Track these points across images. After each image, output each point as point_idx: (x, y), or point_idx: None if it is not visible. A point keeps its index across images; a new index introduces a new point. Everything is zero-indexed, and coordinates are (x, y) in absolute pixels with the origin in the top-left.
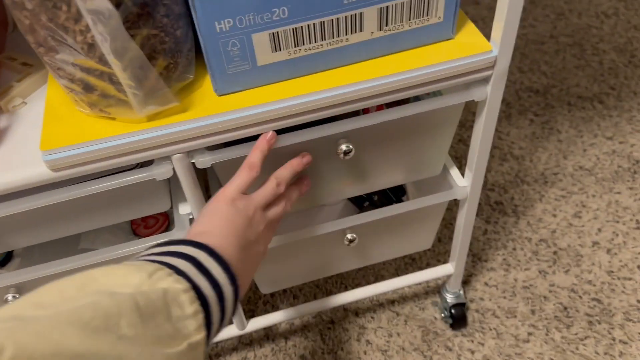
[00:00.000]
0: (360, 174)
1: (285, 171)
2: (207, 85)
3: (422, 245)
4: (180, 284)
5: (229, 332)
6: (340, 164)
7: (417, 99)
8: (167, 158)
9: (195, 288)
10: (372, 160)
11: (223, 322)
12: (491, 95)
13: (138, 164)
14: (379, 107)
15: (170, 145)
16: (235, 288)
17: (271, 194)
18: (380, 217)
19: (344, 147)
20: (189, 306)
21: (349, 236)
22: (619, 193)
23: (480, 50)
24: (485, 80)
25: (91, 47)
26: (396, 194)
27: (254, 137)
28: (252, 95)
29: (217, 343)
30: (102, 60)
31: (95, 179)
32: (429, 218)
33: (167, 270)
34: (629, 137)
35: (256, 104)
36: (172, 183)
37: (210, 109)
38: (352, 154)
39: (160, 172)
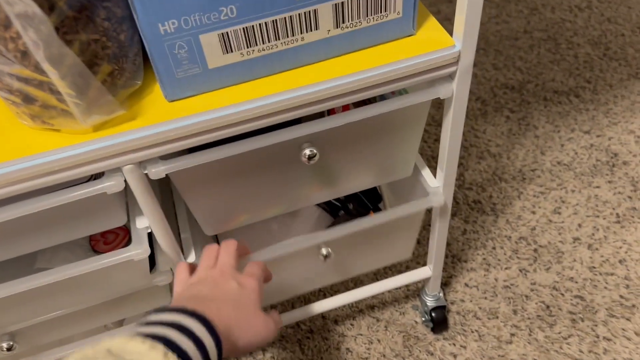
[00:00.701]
0: (328, 178)
1: (226, 254)
2: (157, 91)
3: (402, 255)
4: None
5: None
6: (306, 169)
7: (382, 98)
8: (117, 170)
9: None
10: (339, 163)
11: None
12: (457, 92)
13: (91, 176)
14: (345, 108)
15: (119, 156)
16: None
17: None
18: (355, 229)
19: (307, 151)
20: None
21: (323, 251)
22: (598, 187)
23: (443, 46)
24: (450, 76)
25: (25, 55)
26: (372, 200)
27: (210, 144)
28: (205, 100)
29: None
30: (38, 68)
31: (44, 194)
32: (407, 227)
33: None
34: (606, 130)
35: (210, 109)
36: (129, 195)
37: (161, 116)
38: (316, 158)
39: (110, 184)
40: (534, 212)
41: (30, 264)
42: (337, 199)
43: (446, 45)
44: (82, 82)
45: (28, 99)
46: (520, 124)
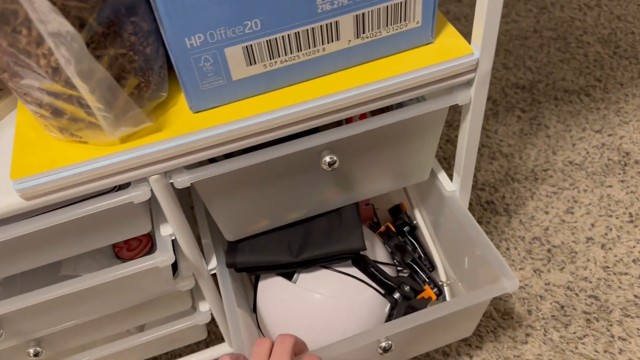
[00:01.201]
0: (347, 183)
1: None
2: (182, 102)
3: (464, 335)
4: None
5: (223, 350)
6: (325, 175)
7: (400, 105)
8: (144, 180)
9: None
10: (358, 169)
11: None
12: (475, 98)
13: (115, 186)
14: (362, 116)
15: (146, 167)
16: None
17: None
18: (423, 322)
19: (327, 158)
20: None
21: (383, 344)
22: (610, 186)
23: (462, 54)
24: (468, 83)
25: (56, 71)
26: (422, 268)
27: (232, 154)
28: (229, 111)
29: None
30: (68, 83)
31: (71, 204)
32: (473, 313)
33: None
34: (617, 129)
35: (234, 120)
36: (153, 203)
37: (186, 127)
38: (336, 164)
39: (137, 194)
40: (547, 212)
41: (54, 271)
42: (389, 278)
43: (465, 53)
44: (110, 96)
45: (57, 112)
46: (532, 123)
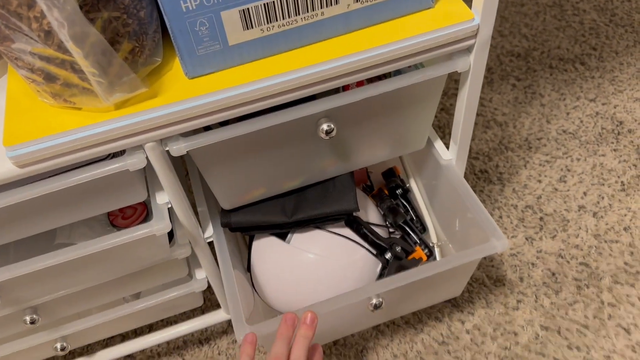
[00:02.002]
0: (344, 151)
1: (298, 348)
2: (177, 67)
3: (453, 294)
4: None
5: (219, 316)
6: (322, 143)
7: (398, 72)
8: (139, 147)
9: None
10: (355, 137)
11: None
12: (474, 65)
13: (110, 154)
14: (359, 83)
15: (141, 134)
16: None
17: None
18: (414, 279)
19: (325, 126)
20: None
21: (374, 301)
22: (603, 155)
23: (462, 19)
24: (468, 49)
25: (48, 35)
26: (414, 230)
27: (230, 121)
28: (225, 77)
29: (206, 328)
30: (61, 47)
31: (65, 172)
32: (464, 271)
33: None
34: (611, 98)
35: (231, 86)
36: (148, 171)
37: (182, 93)
38: (334, 133)
39: (133, 162)
40: (539, 181)
41: (49, 240)
42: (380, 239)
43: (465, 19)
44: (104, 61)
45: (50, 78)
46: (527, 92)
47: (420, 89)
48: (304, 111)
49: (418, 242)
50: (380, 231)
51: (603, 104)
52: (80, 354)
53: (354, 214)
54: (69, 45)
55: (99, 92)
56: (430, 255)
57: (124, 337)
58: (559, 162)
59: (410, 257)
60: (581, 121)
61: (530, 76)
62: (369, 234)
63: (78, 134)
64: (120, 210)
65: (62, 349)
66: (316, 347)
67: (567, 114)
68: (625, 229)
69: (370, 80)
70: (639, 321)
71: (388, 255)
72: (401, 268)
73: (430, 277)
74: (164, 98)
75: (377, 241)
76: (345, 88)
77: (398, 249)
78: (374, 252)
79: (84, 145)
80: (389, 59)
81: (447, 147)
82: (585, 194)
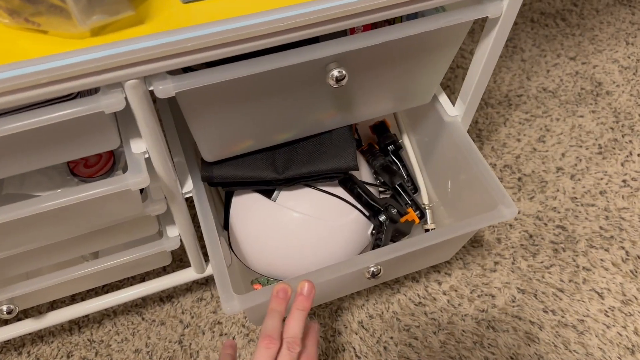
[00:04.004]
0: (347, 102)
1: (294, 324)
2: None
3: (443, 259)
4: None
5: (186, 275)
6: (326, 92)
7: (412, 16)
8: (117, 85)
9: None
10: (362, 87)
11: None
12: (507, 12)
13: (78, 92)
14: (366, 27)
15: (122, 69)
16: None
17: None
18: (412, 250)
19: (336, 72)
20: None
21: (373, 269)
22: (582, 117)
23: None
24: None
25: None
26: (407, 191)
27: (227, 60)
28: (226, 5)
29: (170, 287)
30: None
31: (23, 110)
32: (460, 239)
33: None
34: (591, 57)
35: (233, 17)
36: (121, 114)
37: (175, 21)
38: (345, 80)
39: (109, 103)
40: (519, 140)
41: None
42: (375, 200)
43: None
44: None
45: None
46: (507, 45)
47: (443, 36)
48: (315, 54)
49: (409, 203)
50: (372, 190)
51: (583, 63)
52: (28, 316)
53: (350, 172)
54: None
55: (74, 12)
56: (422, 217)
57: (74, 296)
58: (538, 121)
59: (402, 219)
60: (561, 80)
61: (512, 29)
62: (363, 194)
63: (43, 65)
64: (83, 157)
65: (9, 312)
66: (313, 324)
67: (548, 71)
68: (601, 192)
69: (377, 26)
70: (612, 286)
71: (382, 218)
72: (397, 232)
73: (435, 245)
74: (153, 25)
75: (372, 202)
76: (351, 32)
77: (394, 211)
78: (367, 213)
79: (49, 80)
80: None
81: (453, 103)
82: (563, 155)
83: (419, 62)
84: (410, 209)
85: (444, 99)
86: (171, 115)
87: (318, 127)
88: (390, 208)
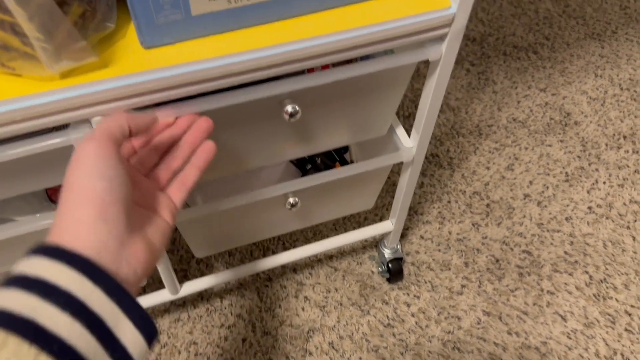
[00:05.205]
0: (304, 135)
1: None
2: (131, 35)
3: (365, 206)
4: None
5: (161, 297)
6: (284, 126)
7: (365, 56)
8: (86, 121)
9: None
10: (318, 121)
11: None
12: (445, 55)
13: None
14: (324, 66)
15: (89, 107)
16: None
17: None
18: (325, 181)
19: (289, 108)
20: None
21: (291, 200)
22: (550, 146)
23: (438, 7)
24: (441, 38)
25: None
26: (338, 152)
27: (186, 98)
28: (185, 50)
29: (147, 307)
30: (1, 7)
31: (2, 144)
32: (373, 180)
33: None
34: (560, 89)
35: (190, 61)
36: None
37: (136, 65)
38: (298, 115)
39: (78, 137)
40: (488, 168)
41: None
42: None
43: (441, 7)
44: (52, 25)
45: None
46: (480, 78)
47: (389, 75)
48: (269, 91)
49: (338, 159)
50: None
51: (553, 95)
52: None
53: None
54: (11, 5)
55: (44, 59)
56: None
57: None
58: (507, 150)
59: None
60: (531, 110)
61: (485, 62)
62: None
63: (18, 104)
64: (59, 184)
65: None
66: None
67: (518, 102)
68: (567, 218)
69: (336, 64)
70: (575, 309)
71: (308, 167)
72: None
73: (341, 180)
74: (117, 69)
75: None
76: (310, 70)
77: (318, 160)
78: (295, 162)
79: (23, 117)
80: (360, 44)
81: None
82: (531, 182)
83: (370, 98)
84: (337, 163)
85: (400, 131)
86: None
87: (279, 157)
88: (316, 158)
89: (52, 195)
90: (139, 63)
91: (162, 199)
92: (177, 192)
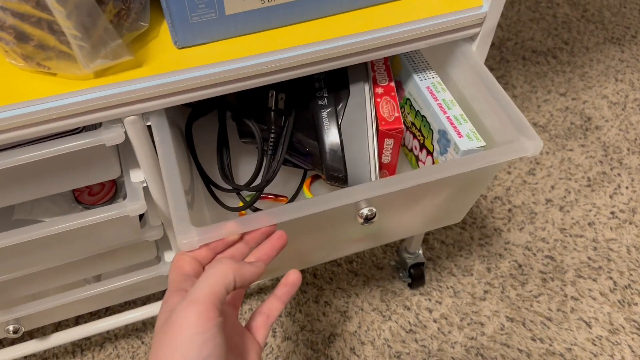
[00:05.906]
0: (374, 232)
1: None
2: (164, 35)
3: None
4: None
5: None
6: (356, 228)
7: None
8: (118, 120)
9: None
10: (393, 221)
11: None
12: (476, 56)
13: (83, 127)
14: (388, 70)
15: (122, 107)
16: None
17: None
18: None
19: (366, 211)
20: None
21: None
22: (571, 150)
23: (470, 6)
24: (472, 38)
25: None
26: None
27: (218, 99)
28: (218, 49)
29: None
30: (40, 4)
31: (34, 143)
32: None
33: None
34: (581, 93)
35: (224, 60)
36: (122, 146)
37: (170, 64)
38: (375, 219)
39: (110, 136)
40: (509, 173)
41: (6, 215)
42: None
43: (473, 5)
44: (89, 23)
45: (22, 37)
46: (499, 82)
47: (478, 173)
48: (346, 199)
49: None
50: None
51: (573, 99)
52: (32, 336)
53: None
54: (51, 2)
55: (80, 58)
56: None
57: (78, 319)
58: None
59: None
60: (551, 115)
61: (504, 66)
62: None
63: (52, 103)
64: (87, 186)
65: (15, 332)
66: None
67: (538, 106)
68: (589, 224)
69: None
70: (599, 315)
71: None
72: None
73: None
74: (150, 68)
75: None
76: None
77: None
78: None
79: (58, 116)
80: (391, 42)
81: None
82: (552, 187)
83: (454, 195)
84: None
85: None
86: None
87: (342, 252)
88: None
89: (79, 197)
90: (172, 62)
91: (248, 342)
92: (261, 329)
